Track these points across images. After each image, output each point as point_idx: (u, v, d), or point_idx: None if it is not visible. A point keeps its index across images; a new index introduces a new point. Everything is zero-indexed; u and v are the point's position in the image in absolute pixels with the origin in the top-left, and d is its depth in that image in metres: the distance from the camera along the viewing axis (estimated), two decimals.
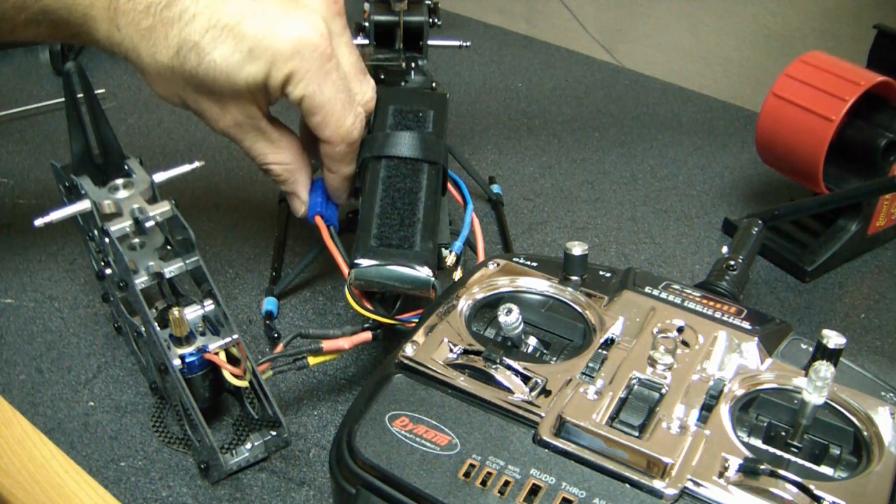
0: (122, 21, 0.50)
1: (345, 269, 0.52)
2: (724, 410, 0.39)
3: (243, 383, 0.48)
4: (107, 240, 0.48)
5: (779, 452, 0.39)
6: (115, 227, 0.47)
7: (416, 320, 0.47)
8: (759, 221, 0.59)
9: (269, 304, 0.60)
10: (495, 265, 0.49)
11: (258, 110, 0.53)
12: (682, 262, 0.69)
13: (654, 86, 1.00)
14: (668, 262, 0.69)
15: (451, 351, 0.42)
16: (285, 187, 0.57)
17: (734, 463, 0.36)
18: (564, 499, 0.35)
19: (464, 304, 0.46)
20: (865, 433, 0.39)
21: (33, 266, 0.65)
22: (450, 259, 0.55)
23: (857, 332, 0.62)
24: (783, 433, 0.40)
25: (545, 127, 0.89)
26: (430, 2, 0.73)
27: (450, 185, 0.60)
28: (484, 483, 0.36)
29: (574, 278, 0.48)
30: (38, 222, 0.48)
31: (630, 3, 1.83)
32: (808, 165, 0.66)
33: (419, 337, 0.43)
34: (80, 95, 0.50)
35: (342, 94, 0.52)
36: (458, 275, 0.54)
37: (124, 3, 0.50)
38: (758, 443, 0.39)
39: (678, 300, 0.46)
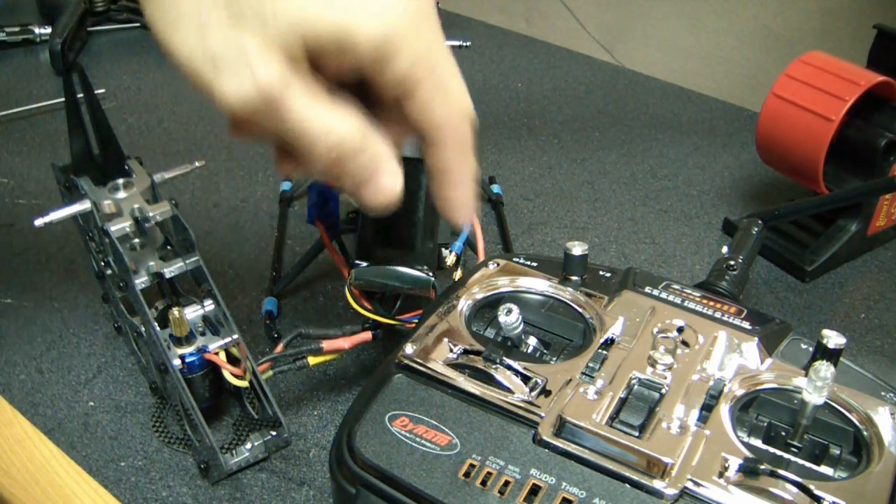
0: None
1: (345, 270, 0.52)
2: (724, 410, 0.39)
3: (243, 383, 0.48)
4: (107, 240, 0.48)
5: (779, 452, 0.39)
6: (115, 227, 0.47)
7: (416, 320, 0.47)
8: (759, 221, 0.59)
9: (269, 304, 0.60)
10: (495, 265, 0.49)
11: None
12: (682, 262, 0.69)
13: (654, 86, 1.00)
14: (668, 262, 0.69)
15: (451, 351, 0.42)
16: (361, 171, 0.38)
17: (734, 463, 0.36)
18: (564, 499, 0.35)
19: (464, 304, 0.46)
20: (865, 433, 0.39)
21: (33, 266, 0.65)
22: (450, 259, 0.55)
23: (857, 332, 0.62)
24: (783, 433, 0.40)
25: (545, 127, 0.89)
26: None
27: None
28: (484, 483, 0.36)
29: (574, 278, 0.48)
30: (38, 222, 0.48)
31: (630, 3, 1.83)
32: (808, 165, 0.66)
33: (419, 337, 0.43)
34: (80, 95, 0.50)
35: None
36: (458, 275, 0.54)
37: None
38: (758, 443, 0.39)
39: (678, 300, 0.46)
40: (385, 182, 0.39)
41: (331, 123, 0.36)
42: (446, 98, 0.37)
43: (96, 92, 0.52)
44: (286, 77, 0.34)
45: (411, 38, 0.35)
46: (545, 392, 0.40)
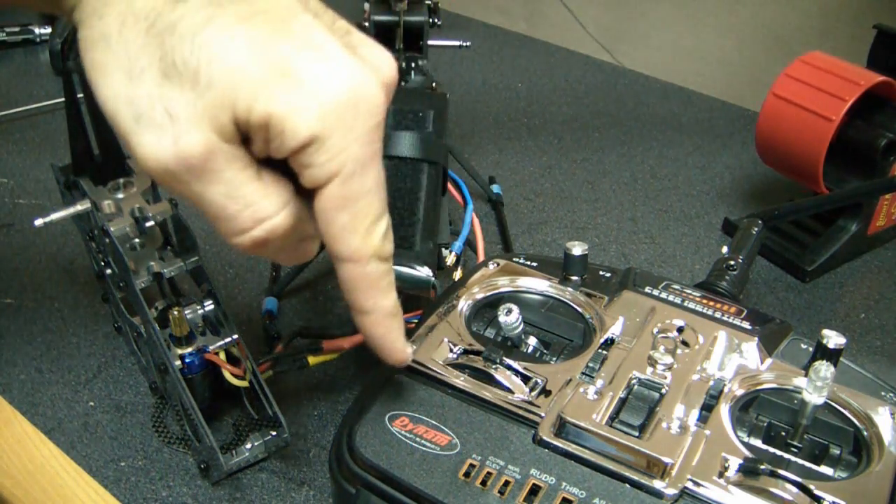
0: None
1: None
2: (724, 410, 0.39)
3: (243, 383, 0.48)
4: (107, 240, 0.48)
5: (779, 452, 0.39)
6: (115, 227, 0.47)
7: (416, 320, 0.47)
8: (759, 221, 0.59)
9: (269, 303, 0.60)
10: (495, 265, 0.49)
11: None
12: (682, 262, 0.69)
13: (654, 86, 1.00)
14: (668, 262, 0.69)
15: (451, 351, 0.42)
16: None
17: (734, 463, 0.36)
18: (564, 499, 0.35)
19: (464, 304, 0.46)
20: (865, 433, 0.39)
21: (33, 266, 0.65)
22: (450, 259, 0.55)
23: (857, 332, 0.62)
24: (783, 433, 0.40)
25: (545, 127, 0.89)
26: (430, 2, 0.73)
27: (450, 185, 0.60)
28: (484, 483, 0.36)
29: (574, 278, 0.48)
30: (38, 222, 0.48)
31: (630, 3, 1.83)
32: (808, 165, 0.66)
33: (419, 337, 0.43)
34: (80, 95, 0.50)
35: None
36: (458, 275, 0.54)
37: None
38: (758, 443, 0.39)
39: (678, 300, 0.46)
40: (304, 252, 0.37)
41: (255, 202, 0.33)
42: (353, 216, 0.34)
43: None
44: (211, 146, 0.31)
45: (339, 140, 0.32)
46: (545, 392, 0.40)
